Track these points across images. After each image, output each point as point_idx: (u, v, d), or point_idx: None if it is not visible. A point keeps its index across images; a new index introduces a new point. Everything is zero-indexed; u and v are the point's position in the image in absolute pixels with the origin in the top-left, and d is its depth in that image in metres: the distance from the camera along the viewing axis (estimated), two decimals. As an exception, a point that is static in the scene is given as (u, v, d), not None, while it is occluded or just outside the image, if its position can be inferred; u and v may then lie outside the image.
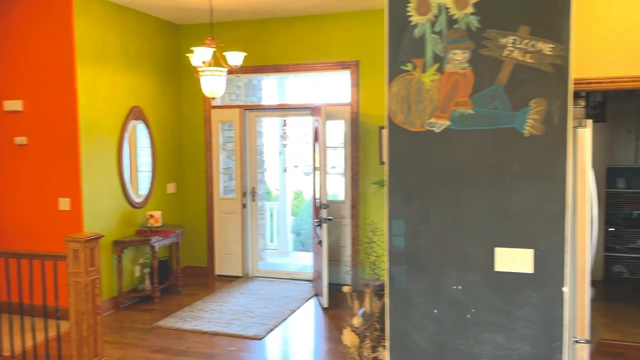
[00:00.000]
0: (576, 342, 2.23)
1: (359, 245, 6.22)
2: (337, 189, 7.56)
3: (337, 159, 7.22)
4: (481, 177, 2.19)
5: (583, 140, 2.18)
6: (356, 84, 6.19)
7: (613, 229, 6.46)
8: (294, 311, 5.51)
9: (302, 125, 9.63)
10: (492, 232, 2.19)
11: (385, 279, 2.37)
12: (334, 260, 6.36)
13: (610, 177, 6.46)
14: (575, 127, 2.18)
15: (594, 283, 6.53)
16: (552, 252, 2.12)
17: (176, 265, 6.35)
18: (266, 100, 8.08)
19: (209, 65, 4.59)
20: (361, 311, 3.02)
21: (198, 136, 6.86)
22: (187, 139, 6.91)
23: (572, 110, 2.10)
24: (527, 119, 2.12)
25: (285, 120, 8.27)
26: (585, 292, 2.21)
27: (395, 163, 2.31)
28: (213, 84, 4.64)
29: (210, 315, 5.37)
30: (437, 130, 2.24)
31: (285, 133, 8.33)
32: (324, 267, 5.59)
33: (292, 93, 8.47)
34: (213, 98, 5.70)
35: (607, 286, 6.22)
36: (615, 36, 3.61)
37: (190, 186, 6.94)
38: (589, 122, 2.17)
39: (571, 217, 2.16)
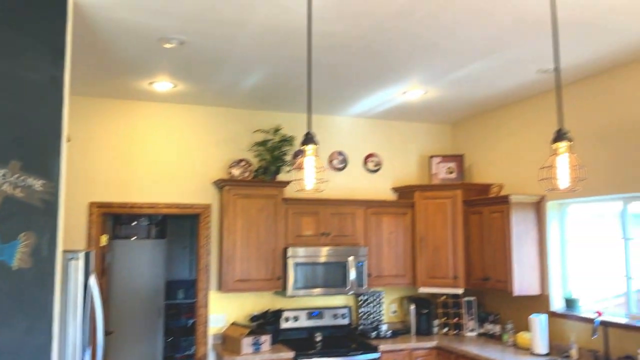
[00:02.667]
0: None
1: None
2: None
3: None
4: (-39, 315, 2.02)
5: (76, 272, 2.30)
6: None
7: (171, 339, 6.92)
8: None
9: None
10: (-29, 376, 2.01)
11: None
12: None
13: (170, 289, 7.01)
14: (69, 260, 2.29)
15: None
16: (38, 388, 2.08)
17: None
18: None
19: None
20: None
21: None
22: None
23: (62, 242, 2.22)
24: (17, 252, 2.12)
25: None
26: None
27: None
28: None
29: None
30: None
31: None
32: None
33: None
34: None
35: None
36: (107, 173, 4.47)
37: None
38: (82, 254, 2.32)
39: (59, 349, 2.19)
